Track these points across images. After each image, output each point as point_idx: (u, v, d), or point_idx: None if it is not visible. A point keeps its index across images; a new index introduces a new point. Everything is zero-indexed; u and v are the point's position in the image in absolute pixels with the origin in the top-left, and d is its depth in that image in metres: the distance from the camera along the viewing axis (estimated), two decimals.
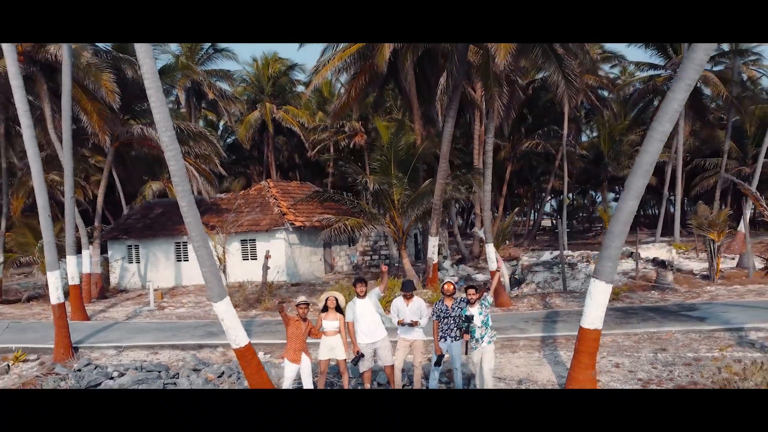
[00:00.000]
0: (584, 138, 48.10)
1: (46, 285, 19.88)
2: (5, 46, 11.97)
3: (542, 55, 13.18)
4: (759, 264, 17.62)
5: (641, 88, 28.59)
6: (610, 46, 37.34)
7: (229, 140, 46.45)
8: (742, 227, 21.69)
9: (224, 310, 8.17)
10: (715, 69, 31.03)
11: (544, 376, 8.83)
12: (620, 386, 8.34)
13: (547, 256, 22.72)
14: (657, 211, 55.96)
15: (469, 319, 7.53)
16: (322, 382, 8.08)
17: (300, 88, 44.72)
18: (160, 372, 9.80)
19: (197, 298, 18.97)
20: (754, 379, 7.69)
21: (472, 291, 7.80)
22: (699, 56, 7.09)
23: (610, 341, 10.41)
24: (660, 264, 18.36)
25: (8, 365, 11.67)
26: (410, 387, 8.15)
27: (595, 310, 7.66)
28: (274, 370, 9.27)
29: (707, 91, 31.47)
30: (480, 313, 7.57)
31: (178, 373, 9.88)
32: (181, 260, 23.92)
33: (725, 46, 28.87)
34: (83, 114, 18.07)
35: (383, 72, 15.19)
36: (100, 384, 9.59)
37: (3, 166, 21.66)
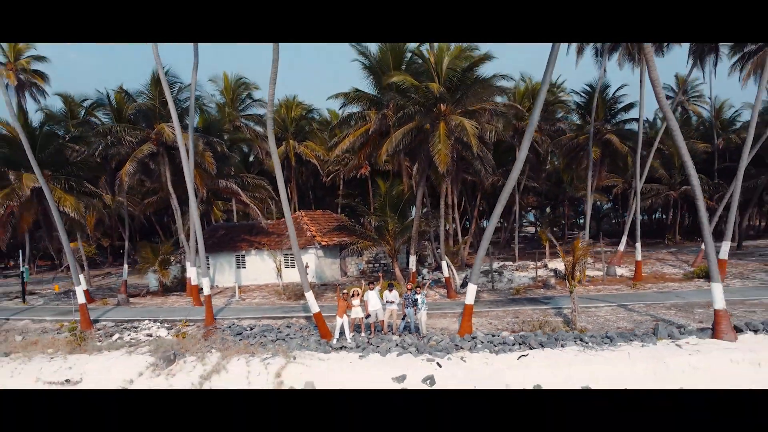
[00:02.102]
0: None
1: (161, 283, 30.21)
2: (183, 155, 21.93)
3: (473, 156, 23.42)
4: (619, 272, 27.81)
5: (569, 144, 38.79)
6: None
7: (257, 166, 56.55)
8: (621, 247, 31.78)
9: (309, 296, 18.45)
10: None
11: (454, 327, 19.00)
12: (488, 330, 18.40)
13: (495, 265, 32.85)
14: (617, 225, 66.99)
15: (416, 300, 17.74)
16: (352, 327, 18.23)
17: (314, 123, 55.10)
18: (271, 328, 20.02)
19: (261, 293, 29.20)
20: (544, 328, 17.88)
21: (419, 288, 18.01)
22: (533, 122, 16.89)
23: (494, 314, 20.61)
24: (554, 272, 28.43)
25: (179, 328, 21.88)
26: (390, 330, 18.29)
27: (470, 296, 17.88)
28: (329, 324, 19.36)
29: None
30: (421, 298, 17.75)
31: (279, 328, 20.06)
32: (240, 267, 34.12)
33: (634, 113, 38.65)
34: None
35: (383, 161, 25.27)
36: (242, 333, 19.73)
37: (125, 204, 31.92)
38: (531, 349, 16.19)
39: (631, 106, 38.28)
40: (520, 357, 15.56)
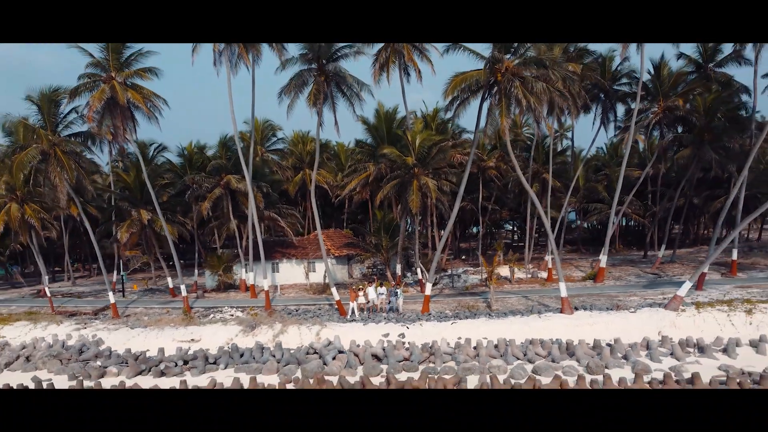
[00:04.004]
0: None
1: (223, 282, 42.96)
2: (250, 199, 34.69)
3: (436, 201, 36.01)
4: (542, 275, 40.42)
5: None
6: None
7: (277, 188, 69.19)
8: (547, 257, 44.28)
9: (334, 290, 31.20)
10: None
11: (419, 309, 31.55)
12: (438, 310, 30.91)
13: (459, 270, 45.48)
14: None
15: (397, 292, 30.47)
16: (358, 309, 30.85)
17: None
18: (308, 310, 32.64)
19: (294, 290, 41.80)
20: (471, 309, 30.53)
21: (398, 285, 30.70)
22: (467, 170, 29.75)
23: (446, 303, 33.20)
24: (497, 275, 40.96)
25: (249, 311, 34.45)
26: (380, 311, 30.88)
27: (428, 290, 30.58)
28: (345, 307, 31.88)
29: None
30: (400, 291, 30.42)
31: (313, 310, 32.64)
32: (275, 272, 46.71)
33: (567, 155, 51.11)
34: (244, 207, 40.87)
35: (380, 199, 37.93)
36: (291, 313, 32.30)
37: (195, 225, 44.54)
38: (460, 319, 28.75)
39: (563, 152, 50.86)
40: (452, 323, 28.13)
